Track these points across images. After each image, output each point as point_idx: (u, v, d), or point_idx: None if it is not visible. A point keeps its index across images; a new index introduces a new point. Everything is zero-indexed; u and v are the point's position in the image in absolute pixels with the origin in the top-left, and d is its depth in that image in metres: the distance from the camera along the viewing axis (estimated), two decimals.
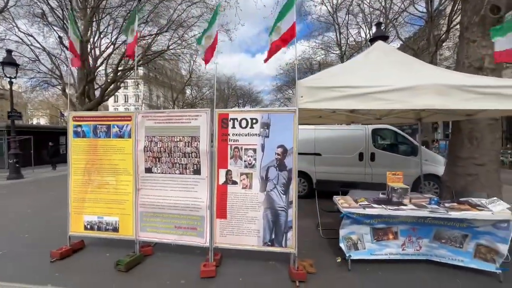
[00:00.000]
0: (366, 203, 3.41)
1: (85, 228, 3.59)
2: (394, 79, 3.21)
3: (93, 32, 13.58)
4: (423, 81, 3.07)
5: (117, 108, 43.93)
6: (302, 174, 6.96)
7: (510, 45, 3.53)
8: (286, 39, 3.13)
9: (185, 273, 3.13)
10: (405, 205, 3.35)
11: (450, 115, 4.78)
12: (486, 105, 3.04)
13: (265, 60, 3.36)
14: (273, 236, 3.16)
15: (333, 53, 19.92)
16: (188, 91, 32.09)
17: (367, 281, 2.96)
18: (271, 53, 3.22)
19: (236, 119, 3.27)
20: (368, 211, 3.20)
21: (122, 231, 3.51)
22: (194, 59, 19.98)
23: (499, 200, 3.17)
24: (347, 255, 3.26)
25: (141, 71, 25.77)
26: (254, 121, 3.23)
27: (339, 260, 3.36)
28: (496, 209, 3.03)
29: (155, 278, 3.06)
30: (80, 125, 3.65)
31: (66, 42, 12.14)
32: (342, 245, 3.31)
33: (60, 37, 13.02)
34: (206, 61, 3.45)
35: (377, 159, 6.62)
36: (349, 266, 3.22)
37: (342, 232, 3.32)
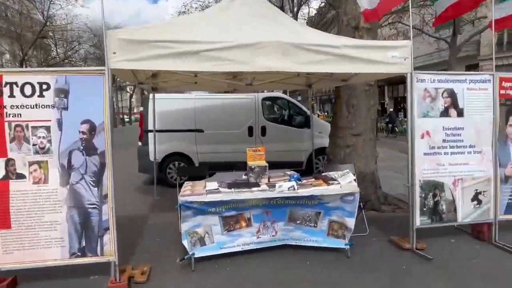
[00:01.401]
0: (214, 187, 3.55)
1: None
2: (240, 35, 3.29)
3: None
4: (268, 37, 3.24)
5: None
6: (181, 157, 6.90)
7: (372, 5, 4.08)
8: None
9: None
10: (259, 186, 3.64)
11: (334, 80, 5.37)
12: (335, 68, 3.43)
13: None
14: (83, 243, 2.96)
15: None
16: (55, 46, 28.08)
17: (209, 282, 3.12)
18: None
19: (16, 83, 2.81)
20: (210, 197, 3.32)
21: None
22: None
23: (349, 173, 3.74)
24: (190, 253, 3.37)
25: None
26: (44, 86, 2.84)
27: (179, 261, 3.44)
28: (344, 181, 3.58)
29: None
30: None
31: None
32: (185, 242, 3.38)
33: None
34: None
35: (269, 134, 7.07)
36: (193, 266, 3.32)
37: (185, 226, 3.36)
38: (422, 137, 3.65)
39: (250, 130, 6.99)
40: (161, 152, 6.65)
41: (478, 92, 3.77)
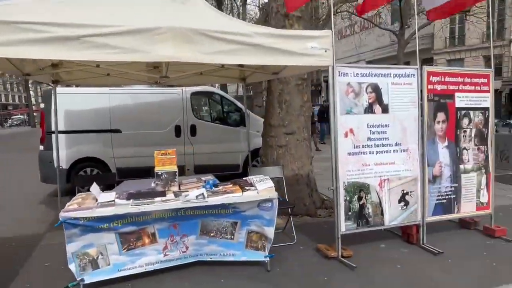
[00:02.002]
0: (109, 199, 3.33)
1: None
2: (133, 18, 3.10)
3: None
4: (168, 22, 3.09)
5: None
6: (94, 162, 6.49)
7: None
8: None
9: None
10: (166, 195, 3.48)
11: (265, 73, 5.35)
12: (247, 59, 3.38)
13: None
14: None
15: None
16: None
17: None
18: None
19: None
20: (100, 212, 3.10)
21: None
22: None
23: (268, 178, 3.72)
24: (77, 278, 3.12)
25: None
26: None
27: None
28: (262, 187, 3.56)
29: None
30: None
31: None
32: (72, 266, 3.11)
33: None
34: None
35: (200, 133, 6.92)
36: None
37: (72, 248, 3.08)
38: (346, 135, 3.74)
39: (178, 129, 6.78)
40: (69, 157, 6.20)
41: (403, 87, 3.95)
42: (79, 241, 3.12)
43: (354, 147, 3.78)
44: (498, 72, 23.62)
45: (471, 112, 4.28)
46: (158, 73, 5.21)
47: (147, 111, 6.61)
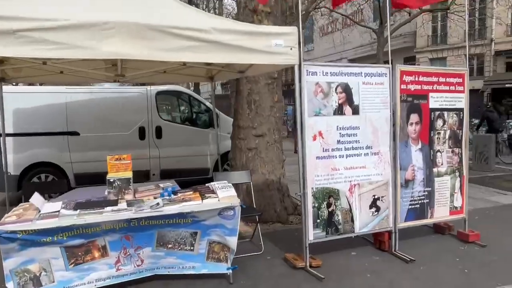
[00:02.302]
0: (54, 210, 3.17)
1: None
2: (76, 10, 2.97)
3: None
4: (116, 16, 2.97)
5: None
6: (49, 168, 6.24)
7: None
8: None
9: None
10: (118, 204, 3.36)
11: (231, 72, 5.27)
12: (205, 57, 3.29)
13: None
14: None
15: None
16: None
17: None
18: None
19: None
20: (41, 224, 2.94)
21: None
22: None
23: (230, 185, 3.64)
24: None
25: None
26: None
27: None
28: (222, 194, 3.48)
29: None
30: None
31: None
32: (10, 285, 2.94)
33: None
34: None
35: (167, 136, 6.78)
36: None
37: (10, 264, 2.90)
38: (315, 138, 3.71)
39: (142, 131, 6.62)
40: (20, 162, 5.94)
41: (374, 87, 3.96)
42: (18, 257, 2.95)
43: (323, 151, 3.76)
44: (479, 72, 24.43)
45: (446, 113, 4.34)
46: (115, 71, 5.06)
47: (108, 112, 6.42)
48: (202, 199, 3.39)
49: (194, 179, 6.37)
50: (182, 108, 7.31)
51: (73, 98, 6.27)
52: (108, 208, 3.20)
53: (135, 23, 2.94)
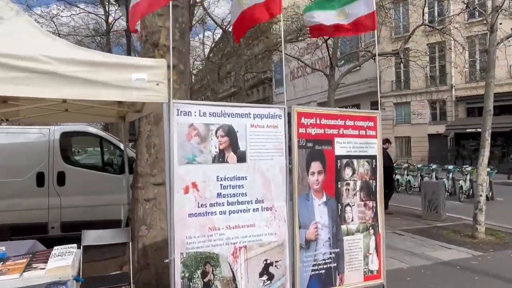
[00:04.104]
0: None
1: None
2: None
3: None
4: None
5: None
6: None
7: None
8: None
9: None
10: None
11: (137, 111, 4.72)
12: (35, 91, 2.68)
13: None
14: None
15: None
16: None
17: None
18: None
19: None
20: None
21: None
22: None
23: (74, 250, 2.95)
24: None
25: None
26: None
27: None
28: (53, 264, 2.76)
29: None
30: None
31: None
32: None
33: None
34: None
35: (70, 182, 6.02)
36: None
37: None
38: (187, 191, 3.10)
39: (41, 177, 5.86)
40: None
41: (265, 130, 3.44)
42: None
43: (199, 206, 3.13)
44: (442, 117, 25.02)
45: (355, 161, 3.86)
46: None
47: (1, 154, 5.67)
48: (23, 272, 2.66)
49: None
50: (91, 150, 6.63)
51: None
52: None
53: None
